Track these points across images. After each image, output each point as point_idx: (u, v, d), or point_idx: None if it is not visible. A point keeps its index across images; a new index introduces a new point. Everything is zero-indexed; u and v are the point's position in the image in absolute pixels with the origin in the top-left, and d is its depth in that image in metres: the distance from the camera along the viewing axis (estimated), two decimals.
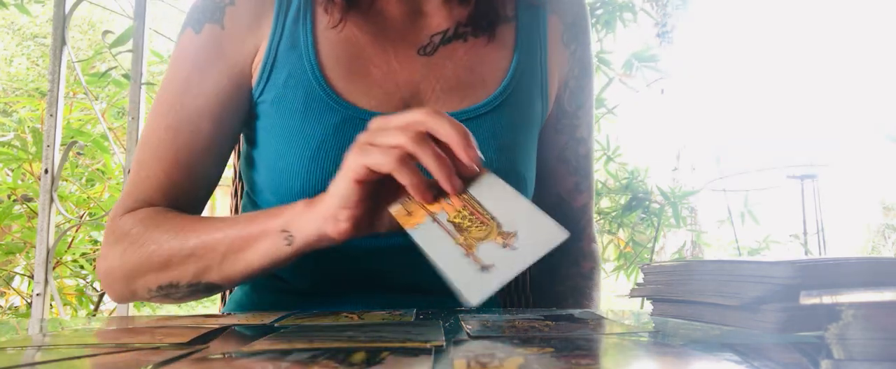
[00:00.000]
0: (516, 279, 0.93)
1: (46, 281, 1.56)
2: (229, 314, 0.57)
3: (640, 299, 0.70)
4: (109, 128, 1.92)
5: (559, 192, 0.82)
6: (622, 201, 1.83)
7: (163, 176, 0.69)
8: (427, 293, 0.69)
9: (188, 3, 0.75)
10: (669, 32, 8.32)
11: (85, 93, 1.86)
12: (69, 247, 2.03)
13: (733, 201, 1.97)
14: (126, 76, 1.68)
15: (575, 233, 0.83)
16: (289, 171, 0.66)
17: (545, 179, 0.80)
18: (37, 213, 1.62)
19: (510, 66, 0.74)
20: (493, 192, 0.52)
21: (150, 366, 0.29)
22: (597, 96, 1.79)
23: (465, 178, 0.53)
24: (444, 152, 0.52)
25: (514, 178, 0.70)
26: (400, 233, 0.54)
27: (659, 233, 1.79)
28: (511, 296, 0.92)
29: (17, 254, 2.08)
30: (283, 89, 0.68)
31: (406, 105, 0.69)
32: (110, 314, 2.28)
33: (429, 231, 0.52)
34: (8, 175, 2.10)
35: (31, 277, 1.78)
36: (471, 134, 0.52)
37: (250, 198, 0.77)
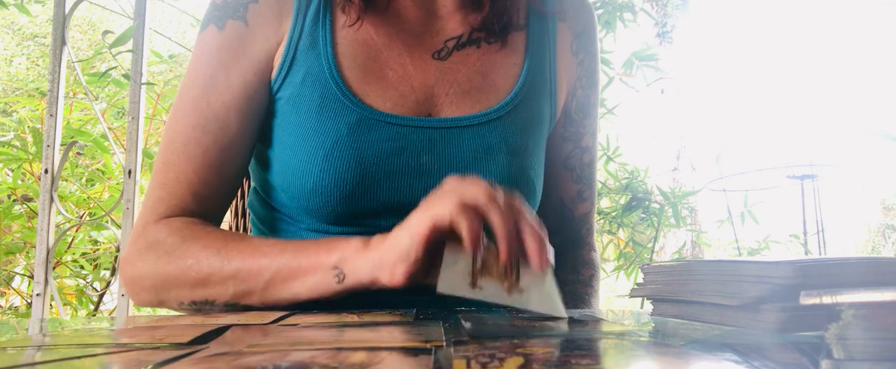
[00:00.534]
0: None
1: (46, 282, 1.56)
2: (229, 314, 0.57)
3: (640, 299, 0.70)
4: (109, 128, 1.92)
5: (562, 199, 0.83)
6: (622, 201, 1.83)
7: (193, 175, 0.68)
8: (427, 293, 0.69)
9: (189, 2, 0.75)
10: (669, 32, 8.33)
11: (85, 94, 1.86)
12: (69, 247, 2.03)
13: (733, 201, 1.97)
14: (126, 76, 1.68)
15: (575, 241, 0.84)
16: (302, 170, 0.67)
17: (549, 186, 0.81)
18: (37, 213, 1.62)
19: (521, 72, 0.75)
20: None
21: (150, 366, 0.29)
22: (599, 100, 1.79)
23: None
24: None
25: (523, 183, 0.71)
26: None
27: (659, 233, 1.79)
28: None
29: (17, 254, 2.08)
30: (300, 87, 0.69)
31: (420, 108, 0.70)
32: (110, 314, 2.28)
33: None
34: (8, 175, 2.10)
35: (31, 277, 1.78)
36: (544, 235, 0.52)
37: (259, 196, 0.77)
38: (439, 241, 0.52)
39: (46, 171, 1.58)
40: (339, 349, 0.32)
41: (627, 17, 1.73)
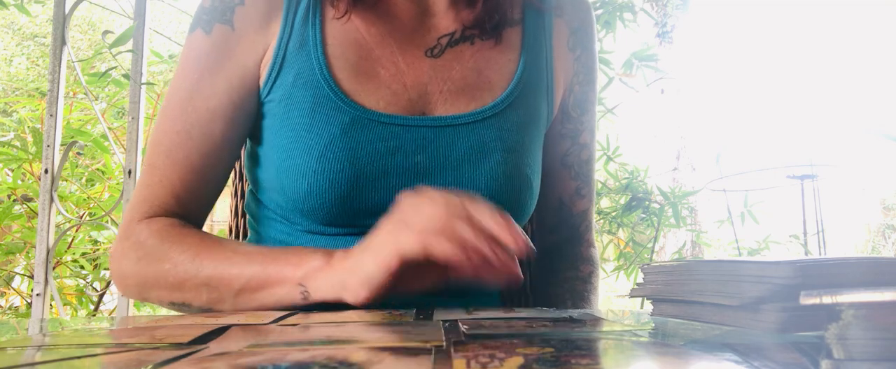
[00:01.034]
0: None
1: (46, 282, 1.56)
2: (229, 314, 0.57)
3: (640, 299, 0.70)
4: (109, 128, 1.92)
5: (560, 197, 0.83)
6: (622, 201, 1.83)
7: (176, 179, 0.69)
8: (435, 294, 0.69)
9: (189, 2, 0.75)
10: (669, 32, 8.33)
11: (85, 94, 1.86)
12: (69, 247, 2.03)
13: (733, 201, 1.97)
14: (126, 76, 1.68)
15: (574, 238, 0.84)
16: (296, 172, 0.66)
17: (547, 183, 0.81)
18: (37, 213, 1.62)
19: (517, 69, 0.74)
20: None
21: (150, 366, 0.29)
22: (597, 96, 1.79)
23: None
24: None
25: (519, 181, 0.70)
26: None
27: (659, 233, 1.79)
28: (511, 297, 0.92)
29: (17, 254, 2.08)
30: (291, 89, 0.68)
31: (414, 106, 0.70)
32: (110, 314, 2.28)
33: None
34: (8, 175, 2.10)
35: (31, 277, 1.78)
36: (512, 221, 0.53)
37: (255, 197, 0.77)
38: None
39: (46, 171, 1.58)
40: (340, 349, 0.32)
41: (627, 17, 1.73)
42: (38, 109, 2.21)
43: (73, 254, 2.06)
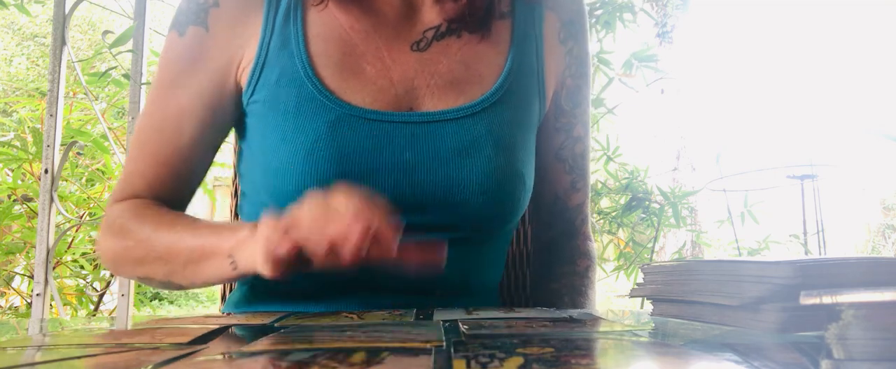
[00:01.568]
0: (515, 279, 0.93)
1: (46, 282, 1.56)
2: (229, 314, 0.57)
3: (640, 299, 0.70)
4: (109, 128, 1.92)
5: (555, 191, 0.82)
6: (622, 201, 1.83)
7: (148, 172, 0.72)
8: (427, 293, 0.69)
9: None
10: (669, 32, 8.32)
11: (85, 94, 1.86)
12: (69, 247, 2.03)
13: (733, 201, 1.97)
14: (126, 76, 1.68)
15: (570, 232, 0.83)
16: (283, 172, 0.66)
17: (542, 178, 0.80)
18: (37, 213, 1.62)
19: (506, 62, 0.73)
20: None
21: (150, 366, 0.29)
22: (597, 96, 1.79)
23: None
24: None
25: (511, 176, 0.69)
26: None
27: (659, 233, 1.79)
28: (512, 296, 0.92)
29: (17, 254, 2.08)
30: (275, 89, 0.68)
31: (400, 102, 0.69)
32: (110, 314, 2.28)
33: None
34: (8, 175, 2.10)
35: (31, 277, 1.78)
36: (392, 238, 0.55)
37: (246, 197, 0.76)
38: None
39: (46, 171, 1.58)
40: (339, 349, 0.32)
41: (627, 18, 1.73)
42: (38, 109, 2.21)
43: (73, 254, 2.06)
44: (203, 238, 0.62)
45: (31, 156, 1.98)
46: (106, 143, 1.91)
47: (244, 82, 0.71)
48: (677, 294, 0.45)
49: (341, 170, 0.65)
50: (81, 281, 2.14)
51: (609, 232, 1.84)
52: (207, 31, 0.70)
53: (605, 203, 1.89)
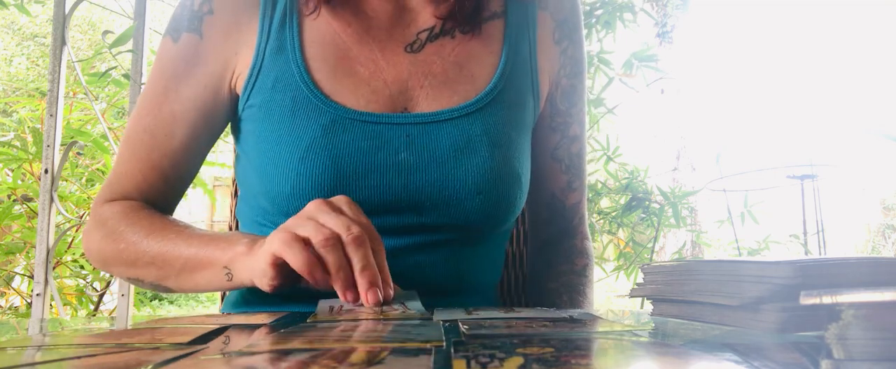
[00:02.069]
0: (514, 279, 0.93)
1: (46, 282, 1.56)
2: (229, 314, 0.57)
3: (640, 299, 0.70)
4: (109, 128, 1.92)
5: (552, 191, 0.82)
6: (622, 201, 1.83)
7: (138, 174, 0.73)
8: (427, 294, 0.69)
9: None
10: (669, 32, 8.32)
11: (85, 94, 1.86)
12: (69, 247, 2.03)
13: (733, 201, 1.97)
14: (126, 76, 1.68)
15: (568, 231, 0.84)
16: (279, 175, 0.66)
17: (539, 178, 0.80)
18: (37, 213, 1.62)
19: (499, 62, 0.74)
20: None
21: (150, 366, 0.29)
22: (597, 96, 1.79)
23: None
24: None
25: (507, 175, 0.69)
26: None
27: (659, 233, 1.79)
28: (511, 296, 0.92)
29: (17, 254, 2.08)
30: (270, 93, 0.69)
31: (395, 103, 0.69)
32: (110, 314, 2.28)
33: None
34: (8, 175, 2.10)
35: (31, 277, 1.78)
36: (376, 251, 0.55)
37: (245, 201, 0.77)
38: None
39: (46, 171, 1.58)
40: (340, 349, 0.32)
41: (627, 17, 1.73)
42: (38, 109, 2.21)
43: (73, 254, 2.06)
44: (198, 248, 0.63)
45: (31, 156, 1.98)
46: (106, 143, 1.91)
47: (239, 88, 0.71)
48: (677, 294, 0.45)
49: (337, 172, 0.65)
50: (81, 281, 2.14)
51: (609, 232, 1.84)
52: (202, 39, 0.71)
53: (605, 203, 1.90)
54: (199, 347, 0.35)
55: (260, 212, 0.72)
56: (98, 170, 2.20)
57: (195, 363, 0.29)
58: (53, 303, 1.62)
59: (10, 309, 2.27)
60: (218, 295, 0.94)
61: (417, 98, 0.70)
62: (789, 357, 0.32)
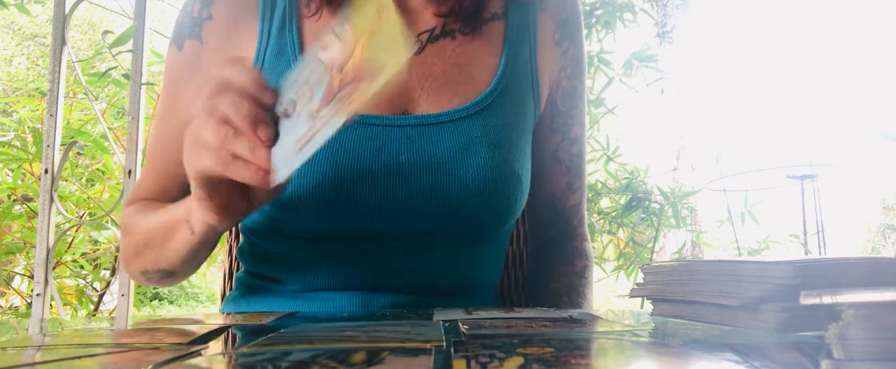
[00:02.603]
0: (515, 279, 0.93)
1: (46, 282, 1.56)
2: (229, 314, 0.57)
3: (640, 299, 0.70)
4: (109, 128, 1.92)
5: (552, 192, 0.82)
6: (622, 201, 1.83)
7: (156, 181, 0.75)
8: (426, 294, 0.69)
9: None
10: (669, 32, 8.33)
11: (85, 94, 1.86)
12: (69, 247, 2.03)
13: (733, 201, 1.97)
14: (126, 76, 1.68)
15: (568, 232, 0.84)
16: None
17: (539, 179, 0.80)
18: (37, 213, 1.62)
19: (500, 63, 0.74)
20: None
21: (150, 366, 0.29)
22: (597, 96, 1.79)
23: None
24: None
25: (508, 177, 0.70)
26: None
27: (659, 233, 1.79)
28: (511, 296, 0.92)
29: (17, 254, 2.08)
30: None
31: (395, 105, 0.69)
32: (110, 314, 2.28)
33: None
34: (8, 175, 2.10)
35: (31, 277, 1.78)
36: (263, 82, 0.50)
37: None
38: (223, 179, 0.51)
39: (46, 171, 1.58)
40: (339, 349, 0.32)
41: (627, 17, 1.73)
42: (38, 109, 2.21)
43: (73, 254, 2.06)
44: (166, 215, 0.64)
45: (31, 156, 1.98)
46: (106, 143, 1.91)
47: None
48: (677, 294, 0.45)
49: (338, 174, 0.65)
50: (81, 282, 2.14)
51: (609, 232, 1.84)
52: (202, 44, 0.71)
53: (605, 203, 1.90)
54: (199, 347, 0.35)
55: (259, 213, 0.72)
56: (98, 169, 2.20)
57: (195, 363, 0.29)
58: (53, 303, 1.62)
59: (10, 309, 2.27)
60: (218, 295, 0.94)
61: (418, 100, 0.70)
62: (789, 357, 0.32)
